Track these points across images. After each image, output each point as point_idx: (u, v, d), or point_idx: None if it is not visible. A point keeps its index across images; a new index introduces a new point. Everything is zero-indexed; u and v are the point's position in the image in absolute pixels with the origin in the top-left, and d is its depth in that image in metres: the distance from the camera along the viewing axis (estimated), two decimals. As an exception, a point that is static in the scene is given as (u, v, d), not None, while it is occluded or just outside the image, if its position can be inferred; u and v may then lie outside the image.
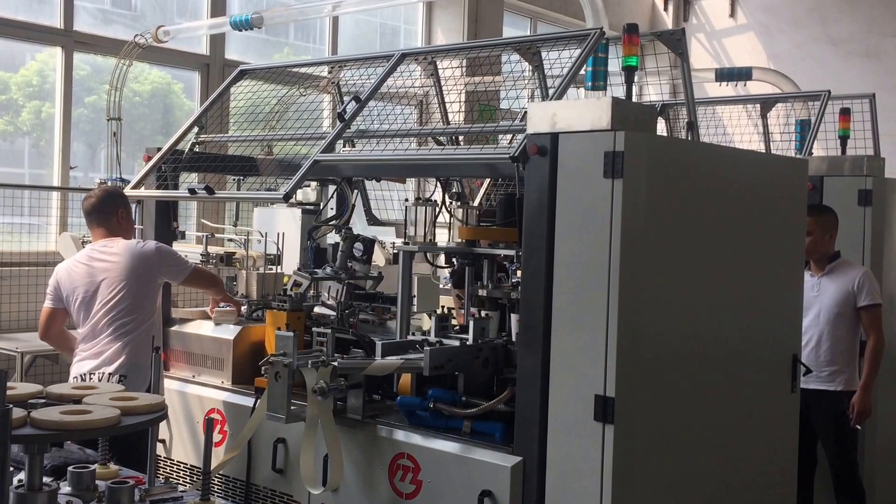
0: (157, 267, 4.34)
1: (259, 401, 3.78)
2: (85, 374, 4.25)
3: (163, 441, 4.44)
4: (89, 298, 4.30)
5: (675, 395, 3.42)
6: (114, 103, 6.55)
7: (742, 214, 3.75)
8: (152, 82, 7.82)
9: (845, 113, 5.97)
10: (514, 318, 3.77)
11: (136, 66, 7.02)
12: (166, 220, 4.84)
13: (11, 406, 2.25)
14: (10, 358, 5.58)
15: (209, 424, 2.69)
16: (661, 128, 6.33)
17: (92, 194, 4.52)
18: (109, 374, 4.20)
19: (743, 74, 7.37)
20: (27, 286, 6.10)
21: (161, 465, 4.47)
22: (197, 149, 4.98)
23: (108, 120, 6.55)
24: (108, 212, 4.44)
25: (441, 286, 5.30)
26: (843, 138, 5.95)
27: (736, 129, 7.13)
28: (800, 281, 4.18)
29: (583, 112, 3.22)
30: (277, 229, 5.01)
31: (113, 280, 4.26)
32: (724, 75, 7.41)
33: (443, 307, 4.59)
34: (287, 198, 4.05)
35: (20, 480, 2.55)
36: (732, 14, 12.39)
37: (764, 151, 6.24)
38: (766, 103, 6.57)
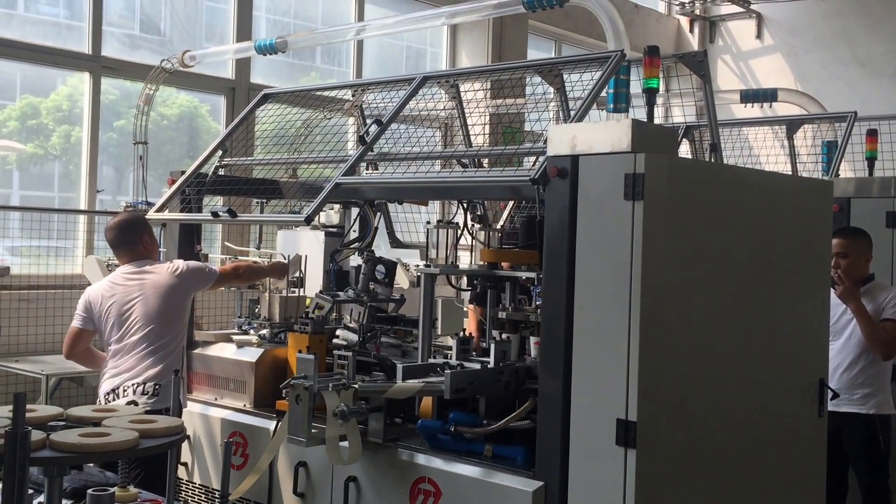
0: (191, 281, 4.47)
1: (280, 424, 3.78)
2: (118, 388, 4.30)
3: (185, 464, 4.44)
4: (125, 318, 4.37)
5: (698, 419, 3.38)
6: (140, 127, 6.62)
7: (765, 236, 3.71)
8: (180, 106, 7.89)
9: (872, 134, 5.93)
10: (533, 340, 3.74)
11: (164, 90, 7.08)
12: (190, 243, 4.89)
13: (30, 428, 2.25)
14: (35, 380, 5.62)
15: (227, 448, 2.68)
16: (686, 150, 6.30)
17: (113, 225, 4.57)
18: (137, 384, 4.26)
19: (768, 96, 7.32)
20: (53, 309, 6.15)
21: (183, 489, 4.47)
22: (221, 172, 5.02)
23: (134, 144, 6.61)
24: (133, 240, 4.53)
25: (465, 308, 5.28)
26: (871, 159, 5.91)
27: (762, 151, 7.09)
28: (825, 304, 4.13)
29: (603, 134, 3.21)
30: (300, 252, 5.02)
31: (152, 299, 4.36)
32: (749, 97, 7.36)
33: (463, 330, 4.57)
34: (309, 220, 4.06)
35: (40, 503, 2.56)
36: (759, 35, 12.34)
37: (790, 173, 6.19)
38: (793, 125, 6.54)
